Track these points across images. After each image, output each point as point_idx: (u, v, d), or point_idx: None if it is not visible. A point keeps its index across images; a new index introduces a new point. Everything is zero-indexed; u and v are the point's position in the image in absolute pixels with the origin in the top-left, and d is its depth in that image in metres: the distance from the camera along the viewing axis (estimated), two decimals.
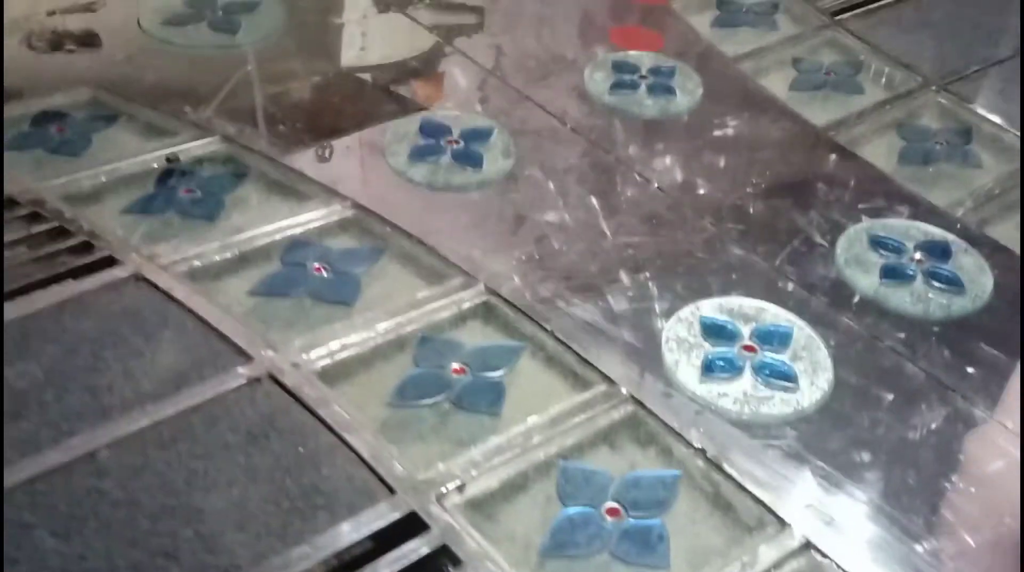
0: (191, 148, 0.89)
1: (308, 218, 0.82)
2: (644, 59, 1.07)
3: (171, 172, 0.86)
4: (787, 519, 0.62)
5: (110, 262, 0.76)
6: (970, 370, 0.74)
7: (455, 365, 0.70)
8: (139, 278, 0.74)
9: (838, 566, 0.59)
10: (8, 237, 0.77)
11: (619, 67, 1.05)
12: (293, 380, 0.67)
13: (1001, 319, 0.79)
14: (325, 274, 0.77)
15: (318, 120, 0.95)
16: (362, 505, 0.60)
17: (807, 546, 0.60)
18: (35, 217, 0.80)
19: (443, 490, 0.61)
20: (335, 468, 0.62)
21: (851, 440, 0.68)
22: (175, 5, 1.09)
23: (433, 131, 0.93)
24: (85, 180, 0.84)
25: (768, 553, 0.60)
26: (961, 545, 0.62)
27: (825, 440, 0.67)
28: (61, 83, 0.96)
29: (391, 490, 0.61)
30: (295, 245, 0.80)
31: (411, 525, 0.59)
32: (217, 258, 0.78)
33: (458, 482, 0.62)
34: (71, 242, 0.77)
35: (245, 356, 0.69)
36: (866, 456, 0.67)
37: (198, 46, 1.04)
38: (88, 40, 1.04)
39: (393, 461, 0.63)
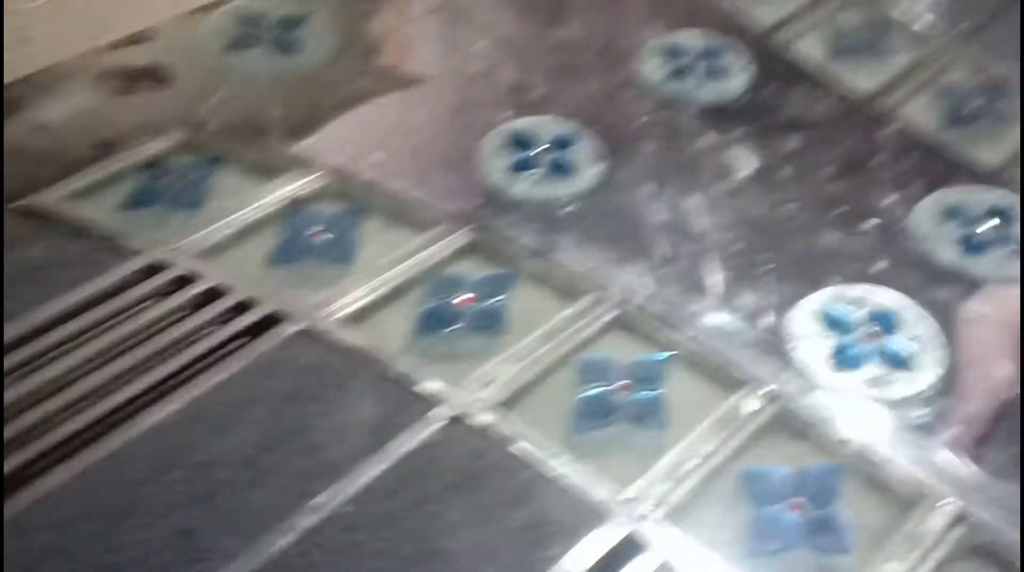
0: (303, 186, 0.93)
1: (436, 250, 0.88)
2: (691, 41, 1.12)
3: (296, 214, 0.90)
4: (942, 493, 0.72)
5: (274, 319, 0.81)
6: None
7: (620, 383, 0.77)
8: (308, 332, 0.80)
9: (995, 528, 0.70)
10: (169, 304, 0.81)
11: (671, 52, 1.10)
12: (484, 418, 0.74)
13: None
14: (475, 305, 0.83)
15: (411, 141, 0.99)
16: (583, 530, 0.68)
17: (962, 515, 0.71)
18: (184, 281, 0.84)
19: (646, 509, 0.69)
20: (549, 497, 0.70)
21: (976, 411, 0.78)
22: (230, 27, 1.10)
23: (524, 142, 0.98)
24: (215, 233, 0.88)
25: (933, 523, 0.70)
26: None
27: (954, 413, 0.77)
28: (149, 128, 0.98)
29: (602, 513, 0.69)
30: (434, 279, 0.85)
31: (630, 546, 0.67)
32: (367, 300, 0.83)
33: (657, 499, 0.70)
34: (228, 302, 0.82)
35: (433, 399, 0.75)
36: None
37: (268, 71, 1.06)
38: (159, 75, 1.05)
39: (595, 484, 0.71)
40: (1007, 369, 0.81)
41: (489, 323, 0.82)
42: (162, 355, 0.77)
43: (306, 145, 0.97)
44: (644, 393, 0.77)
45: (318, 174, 0.94)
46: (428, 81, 1.07)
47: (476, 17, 1.14)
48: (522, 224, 0.90)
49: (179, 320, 0.80)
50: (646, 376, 0.78)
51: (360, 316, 0.83)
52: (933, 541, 0.69)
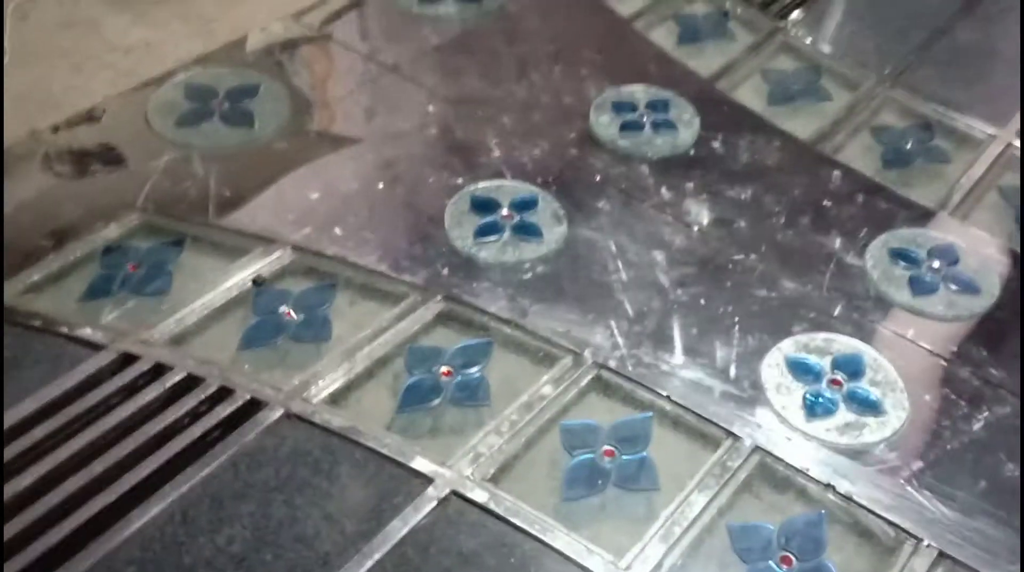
0: (269, 264, 0.92)
1: (409, 322, 0.88)
2: (638, 95, 1.15)
3: (265, 294, 0.89)
4: (920, 535, 0.75)
5: (255, 405, 0.80)
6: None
7: (606, 448, 0.79)
8: (290, 416, 0.79)
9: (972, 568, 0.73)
10: (146, 396, 0.80)
11: (620, 107, 1.13)
12: (477, 495, 0.75)
13: (1007, 310, 0.94)
14: (455, 378, 0.84)
15: (372, 211, 0.99)
16: None
17: (942, 555, 0.74)
18: (157, 371, 0.82)
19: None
20: (549, 567, 0.71)
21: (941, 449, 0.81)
22: (179, 102, 1.09)
23: (486, 206, 0.99)
24: (184, 320, 0.87)
25: (917, 566, 0.73)
26: None
27: (923, 454, 0.81)
28: (104, 212, 0.96)
29: None
30: (411, 352, 0.85)
31: None
32: (345, 379, 0.83)
33: (653, 565, 0.72)
34: (206, 391, 0.81)
35: (424, 477, 0.76)
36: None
37: (221, 145, 1.05)
38: (110, 156, 1.03)
39: (592, 552, 0.72)
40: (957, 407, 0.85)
41: (470, 395, 0.82)
42: (142, 452, 0.76)
43: (267, 221, 0.97)
44: (629, 457, 0.78)
45: (282, 251, 0.94)
46: (384, 148, 1.07)
47: (425, 80, 1.15)
48: (492, 290, 0.92)
49: (156, 413, 0.79)
50: (629, 438, 0.80)
51: (340, 396, 0.83)
52: None
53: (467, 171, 1.04)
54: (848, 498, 0.77)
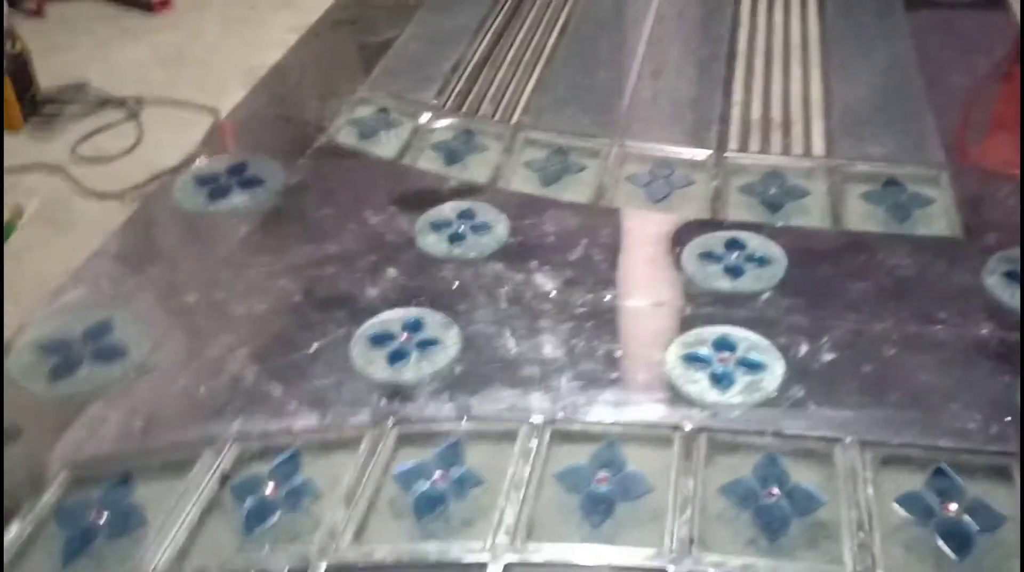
0: (225, 460, 0.97)
1: (378, 456, 0.97)
2: (446, 211, 1.32)
3: (240, 484, 0.94)
4: (840, 436, 0.96)
5: None
6: None
7: (600, 474, 0.93)
8: None
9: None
10: None
11: (437, 226, 1.29)
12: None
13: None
14: (450, 481, 0.94)
15: (292, 382, 1.07)
16: None
17: (864, 444, 0.95)
18: None
19: None
20: None
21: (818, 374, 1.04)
22: (41, 359, 1.10)
23: (386, 337, 1.10)
24: (167, 548, 0.89)
25: (851, 457, 0.94)
26: None
27: (808, 381, 1.03)
28: (33, 483, 0.96)
29: None
30: (401, 476, 0.94)
31: None
32: (358, 521, 0.91)
33: None
34: None
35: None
36: None
37: (105, 383, 1.07)
38: (9, 433, 1.02)
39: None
40: None
41: (464, 488, 0.93)
42: None
43: (195, 427, 1.01)
44: (621, 476, 0.93)
45: (228, 444, 0.99)
46: (260, 328, 1.15)
47: (258, 262, 1.24)
48: (429, 400, 1.03)
49: None
50: (612, 462, 0.94)
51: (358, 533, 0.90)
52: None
53: (350, 319, 1.14)
54: (789, 435, 0.97)
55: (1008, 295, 1.14)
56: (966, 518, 0.88)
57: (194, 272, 1.24)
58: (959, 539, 0.86)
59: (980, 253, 1.21)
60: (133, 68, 2.81)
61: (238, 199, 1.38)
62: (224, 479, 0.95)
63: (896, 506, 0.90)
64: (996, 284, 1.16)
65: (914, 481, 0.92)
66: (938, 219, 1.29)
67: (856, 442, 0.96)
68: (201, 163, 1.45)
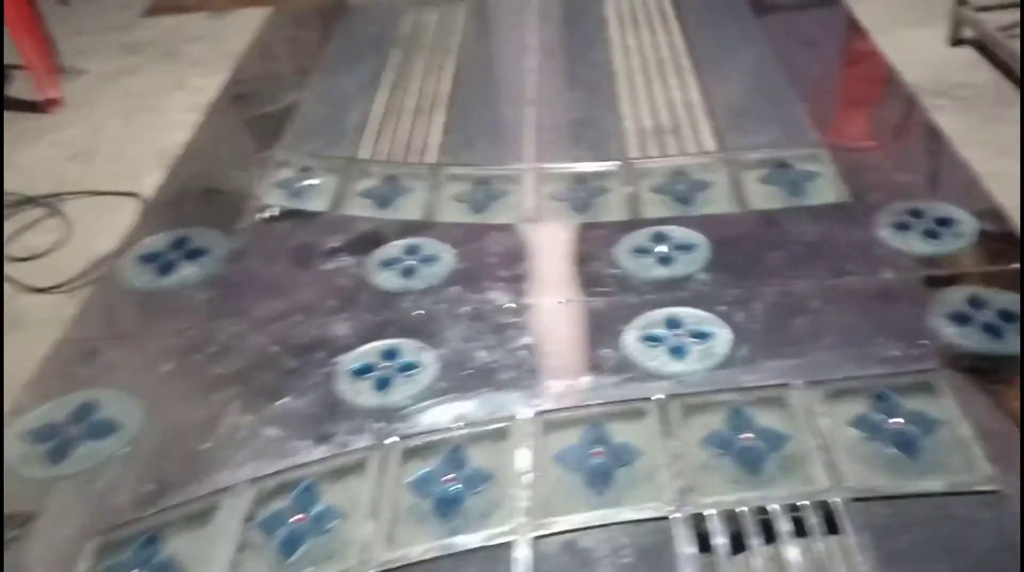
0: (245, 502, 1.03)
1: (389, 471, 1.05)
2: (393, 249, 1.41)
3: (268, 520, 1.00)
4: (789, 381, 1.09)
5: None
6: None
7: (595, 450, 1.03)
8: None
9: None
10: None
11: (388, 263, 1.38)
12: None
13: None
14: (460, 481, 1.02)
15: (292, 420, 1.13)
16: None
17: (811, 383, 1.09)
18: None
19: None
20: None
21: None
22: (32, 449, 1.13)
23: (366, 370, 1.18)
24: None
25: (807, 397, 1.07)
26: None
27: (742, 344, 1.16)
28: (60, 550, 1.00)
29: None
30: (416, 483, 1.02)
31: None
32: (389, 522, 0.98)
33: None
34: None
35: None
36: None
37: (96, 464, 1.11)
38: (15, 522, 1.05)
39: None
40: None
41: (476, 485, 1.02)
42: None
43: (210, 473, 1.07)
44: (613, 448, 1.04)
45: (240, 485, 1.04)
46: (238, 383, 1.21)
47: (226, 325, 1.30)
48: (423, 412, 1.11)
49: None
50: (601, 439, 1.05)
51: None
52: None
53: (328, 359, 1.21)
54: (747, 388, 1.09)
55: (899, 241, 1.31)
56: (909, 427, 1.02)
57: (164, 343, 1.29)
58: (907, 444, 1.00)
59: (868, 212, 1.38)
60: (42, 167, 2.80)
61: (188, 270, 1.43)
62: (249, 519, 1.01)
63: (850, 429, 1.03)
64: (888, 235, 1.32)
65: (860, 406, 1.06)
66: (827, 189, 1.46)
67: (805, 384, 1.09)
68: (142, 243, 1.50)
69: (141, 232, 1.54)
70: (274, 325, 1.30)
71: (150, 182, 1.75)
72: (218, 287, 1.40)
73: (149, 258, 1.46)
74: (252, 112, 1.96)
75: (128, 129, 2.74)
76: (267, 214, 1.56)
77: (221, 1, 3.16)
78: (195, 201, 1.65)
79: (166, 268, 1.44)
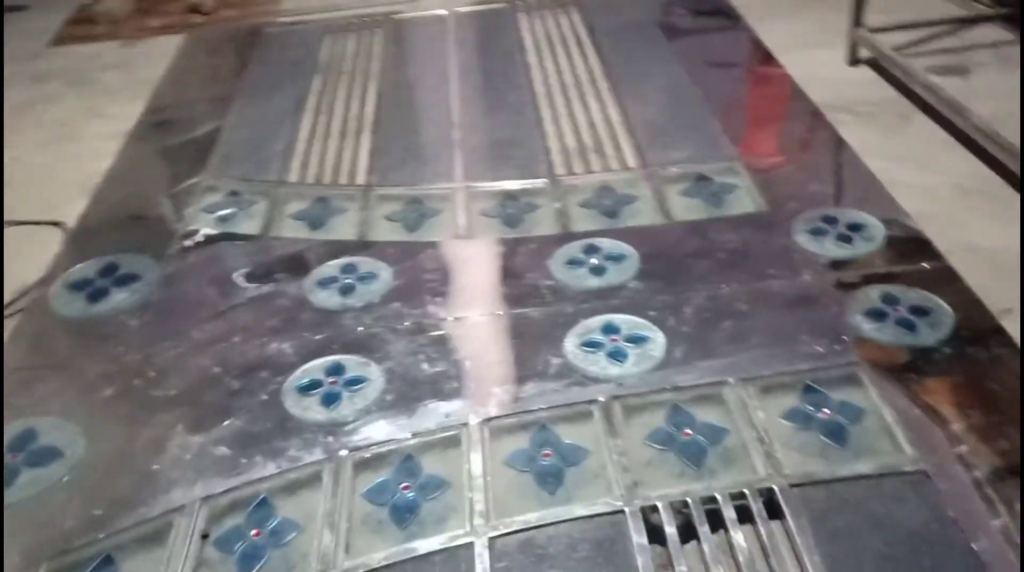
0: (196, 520, 1.03)
1: (338, 487, 1.06)
2: (329, 269, 1.43)
3: (222, 538, 1.00)
4: (726, 379, 1.15)
5: None
6: None
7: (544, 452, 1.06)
8: None
9: None
10: None
11: (325, 283, 1.40)
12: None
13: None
14: (414, 488, 1.04)
15: (241, 439, 1.14)
16: None
17: (743, 379, 1.15)
18: None
19: None
20: None
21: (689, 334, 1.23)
22: None
23: (313, 386, 1.19)
24: None
25: (742, 393, 1.13)
26: None
27: (682, 343, 1.22)
28: None
29: None
30: (369, 492, 1.04)
31: None
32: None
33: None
34: None
35: None
36: None
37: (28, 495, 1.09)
38: None
39: None
40: None
41: (430, 492, 1.04)
42: None
43: (156, 499, 1.06)
44: (561, 449, 1.07)
45: (191, 506, 1.04)
46: (185, 404, 1.20)
47: (165, 352, 1.30)
48: (372, 421, 1.13)
49: None
50: (549, 441, 1.08)
51: None
52: None
53: (273, 378, 1.22)
54: (684, 387, 1.14)
55: (815, 246, 1.39)
56: (837, 417, 1.09)
57: (101, 369, 1.28)
58: (837, 432, 1.07)
59: (785, 220, 1.46)
60: None
61: (119, 296, 1.42)
62: (204, 537, 1.01)
63: (783, 421, 1.09)
64: (805, 241, 1.40)
65: (791, 399, 1.12)
66: (745, 200, 1.54)
67: (738, 380, 1.15)
68: (70, 271, 1.48)
69: (68, 260, 1.53)
70: (214, 347, 1.30)
71: (74, 210, 1.72)
72: (152, 312, 1.39)
73: (78, 286, 1.45)
74: (174, 139, 1.94)
75: (46, 158, 2.66)
76: (198, 238, 1.55)
77: (132, 30, 3.11)
78: (122, 228, 1.63)
79: (96, 295, 1.42)
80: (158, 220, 1.63)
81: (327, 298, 1.37)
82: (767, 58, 2.05)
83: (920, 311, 1.24)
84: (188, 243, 1.54)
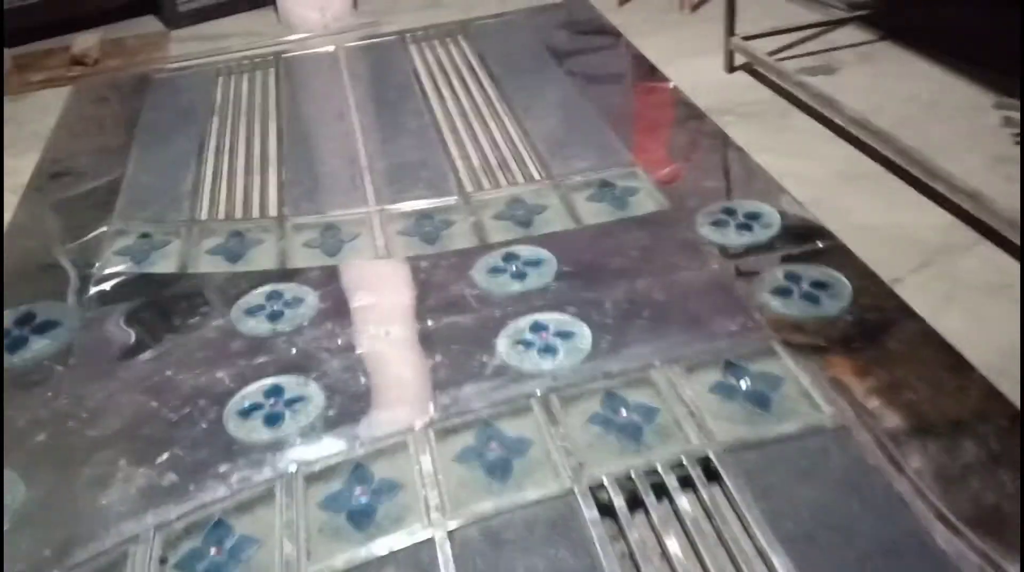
0: (156, 547, 1.03)
1: (291, 508, 1.08)
2: (279, 290, 1.44)
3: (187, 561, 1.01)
4: (655, 362, 1.22)
5: None
6: None
7: (491, 444, 1.11)
8: None
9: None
10: None
11: (271, 298, 1.41)
12: None
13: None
14: (369, 493, 1.07)
15: (185, 460, 1.14)
16: None
17: (671, 360, 1.22)
18: None
19: None
20: None
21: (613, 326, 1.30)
22: None
23: (254, 408, 1.20)
24: None
25: (672, 376, 1.20)
26: None
27: (608, 335, 1.28)
28: None
29: None
30: (326, 501, 1.06)
31: None
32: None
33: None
34: None
35: None
36: None
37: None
38: None
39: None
40: None
41: (385, 495, 1.07)
42: None
43: (106, 544, 1.06)
44: (506, 442, 1.12)
45: (147, 533, 1.04)
46: (125, 438, 1.20)
47: (97, 395, 1.29)
48: (313, 436, 1.15)
49: None
50: (494, 436, 1.13)
51: None
52: None
53: (212, 405, 1.23)
54: (615, 374, 1.20)
55: (719, 236, 1.48)
56: (758, 386, 1.17)
57: (31, 416, 1.26)
58: (760, 400, 1.14)
59: (688, 215, 1.55)
60: None
61: (40, 344, 1.40)
62: (163, 562, 1.01)
63: (710, 394, 1.16)
64: (709, 232, 1.49)
65: (714, 375, 1.20)
66: (647, 201, 1.62)
67: (664, 363, 1.22)
68: None
69: None
70: (147, 382, 1.30)
71: None
72: (77, 356, 1.38)
73: None
74: (75, 189, 1.92)
75: None
76: (115, 281, 1.54)
77: (15, 84, 3.04)
78: (34, 278, 1.60)
79: (16, 345, 1.40)
80: (70, 267, 1.61)
81: (256, 325, 1.38)
82: (651, 70, 2.16)
83: (821, 285, 1.33)
84: (105, 287, 1.53)
